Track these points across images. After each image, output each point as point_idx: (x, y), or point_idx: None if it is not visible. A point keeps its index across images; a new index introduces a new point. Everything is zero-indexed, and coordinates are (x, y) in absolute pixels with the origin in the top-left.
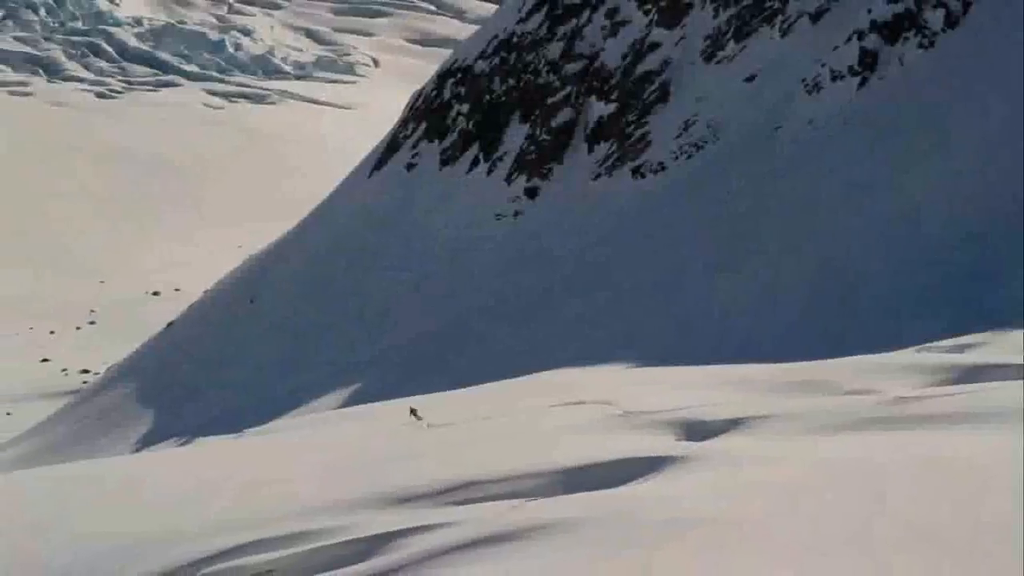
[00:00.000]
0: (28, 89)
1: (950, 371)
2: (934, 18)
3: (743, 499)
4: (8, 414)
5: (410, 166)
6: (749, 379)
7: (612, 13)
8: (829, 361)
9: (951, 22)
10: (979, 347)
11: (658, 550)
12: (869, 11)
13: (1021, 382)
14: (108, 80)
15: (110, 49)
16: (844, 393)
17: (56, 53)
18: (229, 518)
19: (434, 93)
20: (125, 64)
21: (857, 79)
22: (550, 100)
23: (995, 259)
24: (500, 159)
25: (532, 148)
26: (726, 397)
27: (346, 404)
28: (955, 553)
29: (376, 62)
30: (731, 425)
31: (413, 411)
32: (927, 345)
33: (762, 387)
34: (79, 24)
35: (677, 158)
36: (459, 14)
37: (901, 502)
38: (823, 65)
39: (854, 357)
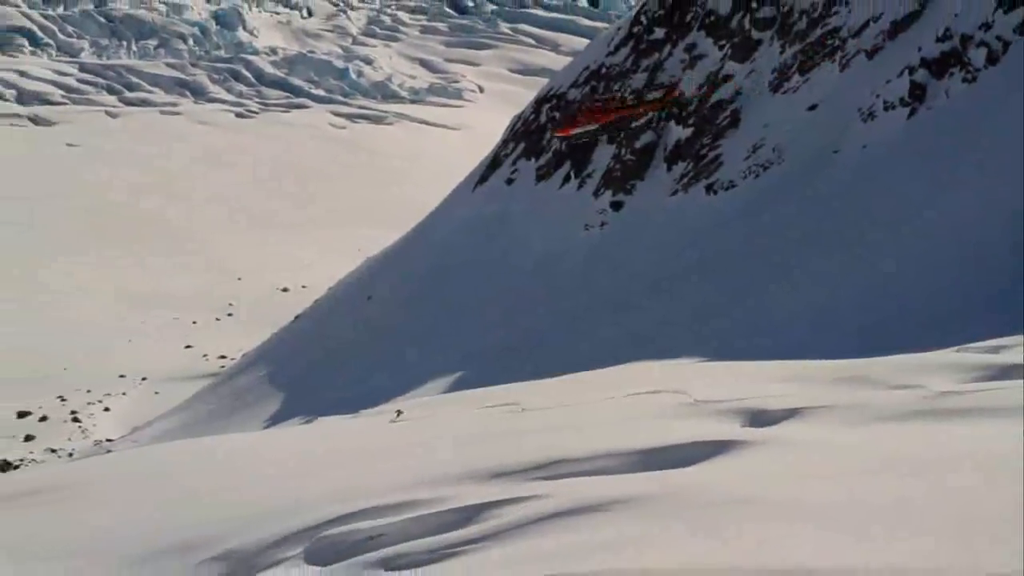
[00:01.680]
0: (177, 109)
1: (986, 369)
2: (977, 56)
3: (798, 482)
4: (156, 393)
5: (509, 181)
6: (806, 374)
7: (690, 48)
8: (876, 359)
9: (992, 59)
10: (1013, 348)
11: (718, 524)
12: (919, 49)
13: None
14: (246, 102)
15: (249, 75)
16: (891, 388)
17: (202, 78)
18: (343, 488)
19: (532, 117)
20: (261, 88)
21: (907, 109)
22: (634, 124)
23: None
24: (589, 176)
25: (617, 167)
26: (786, 389)
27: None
28: (1002, 540)
29: (481, 89)
30: (790, 414)
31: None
32: (965, 346)
33: (818, 381)
34: (222, 53)
35: (745, 177)
36: (555, 47)
37: (949, 490)
38: (877, 96)
39: (898, 356)
